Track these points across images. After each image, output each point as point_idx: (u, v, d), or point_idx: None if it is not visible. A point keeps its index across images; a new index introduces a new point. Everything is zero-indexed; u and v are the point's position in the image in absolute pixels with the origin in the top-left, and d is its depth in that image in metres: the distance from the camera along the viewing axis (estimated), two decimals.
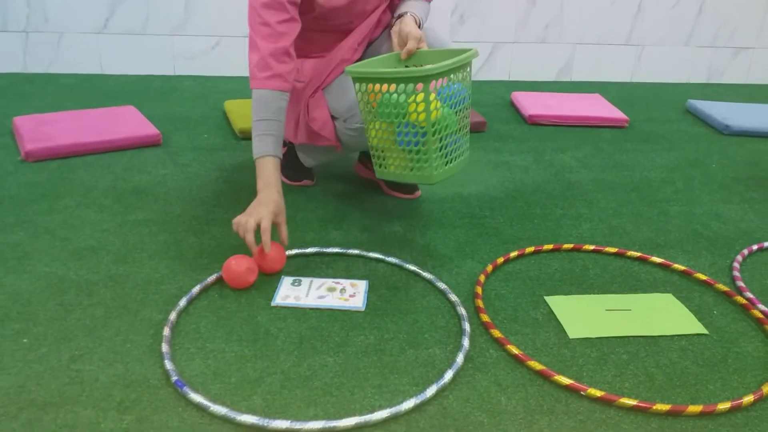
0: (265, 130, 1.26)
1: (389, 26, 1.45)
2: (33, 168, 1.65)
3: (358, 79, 1.23)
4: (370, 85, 1.22)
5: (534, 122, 2.22)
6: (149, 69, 2.56)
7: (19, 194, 1.51)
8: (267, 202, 1.21)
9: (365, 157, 1.66)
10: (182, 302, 1.12)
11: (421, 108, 1.16)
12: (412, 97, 1.17)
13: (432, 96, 1.15)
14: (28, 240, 1.31)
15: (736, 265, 1.34)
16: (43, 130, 1.80)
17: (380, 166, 1.31)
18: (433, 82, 1.15)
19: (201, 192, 1.57)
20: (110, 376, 0.95)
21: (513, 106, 2.41)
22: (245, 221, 1.18)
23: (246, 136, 1.92)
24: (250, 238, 1.17)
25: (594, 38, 2.79)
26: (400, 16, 1.39)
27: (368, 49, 1.50)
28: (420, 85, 1.15)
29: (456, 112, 1.23)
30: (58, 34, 2.46)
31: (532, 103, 2.31)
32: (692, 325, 1.15)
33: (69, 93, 2.28)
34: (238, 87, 2.45)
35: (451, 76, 1.18)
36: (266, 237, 1.17)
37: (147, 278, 1.20)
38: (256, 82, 1.27)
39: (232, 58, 2.57)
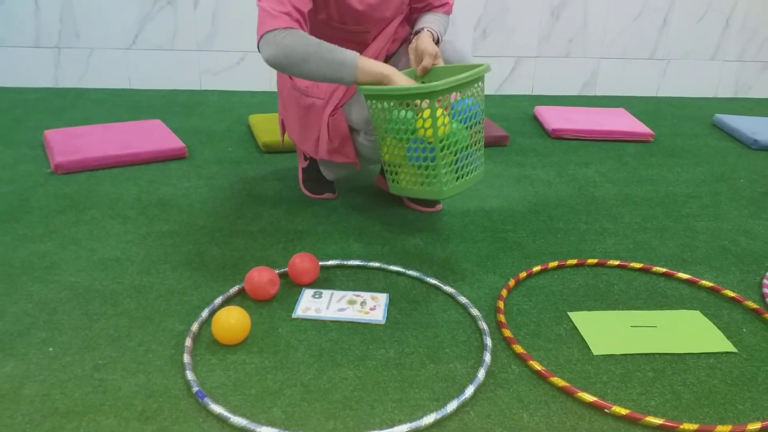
0: (331, 47, 1.22)
1: (407, 41, 1.46)
2: (62, 180, 1.69)
3: (369, 96, 1.25)
4: (381, 102, 1.23)
5: (557, 136, 2.21)
6: (176, 84, 2.61)
7: (47, 205, 1.54)
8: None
9: None
10: (204, 313, 1.13)
11: (428, 124, 1.17)
12: (420, 113, 1.17)
13: (439, 111, 1.15)
14: (55, 250, 1.34)
15: (765, 281, 1.31)
16: (72, 143, 1.84)
17: (393, 181, 1.32)
18: (440, 97, 1.15)
19: (224, 204, 1.58)
20: (132, 385, 0.96)
21: (536, 120, 2.40)
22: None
23: (269, 150, 1.94)
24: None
25: (618, 52, 2.77)
26: (417, 32, 1.39)
27: (386, 64, 1.51)
28: (427, 101, 1.15)
29: (467, 128, 1.22)
30: (89, 49, 2.52)
31: (555, 117, 2.29)
32: (720, 343, 1.12)
33: (98, 107, 2.33)
34: (263, 101, 2.48)
35: (462, 91, 1.19)
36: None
37: (170, 289, 1.22)
38: (287, 22, 1.21)
39: (256, 74, 2.61)
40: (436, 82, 1.14)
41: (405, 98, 1.18)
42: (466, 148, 1.24)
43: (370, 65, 1.22)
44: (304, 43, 1.21)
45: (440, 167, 1.20)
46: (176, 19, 2.51)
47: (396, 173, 1.31)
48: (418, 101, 1.17)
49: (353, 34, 1.42)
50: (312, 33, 1.33)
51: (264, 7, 1.23)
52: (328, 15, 1.37)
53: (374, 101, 1.24)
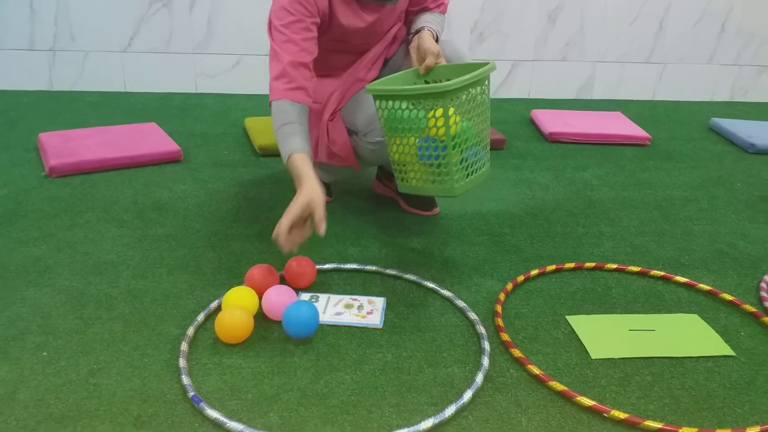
0: (290, 132, 1.23)
1: (406, 41, 1.46)
2: (56, 183, 1.68)
3: (379, 96, 1.25)
4: (391, 102, 1.23)
5: (554, 140, 2.21)
6: (172, 87, 2.60)
7: (42, 209, 1.53)
8: (298, 198, 1.15)
9: (383, 174, 1.66)
10: (200, 317, 1.12)
11: (440, 123, 1.17)
12: (432, 112, 1.17)
13: (451, 110, 1.16)
14: (49, 254, 1.33)
15: (763, 285, 1.31)
16: (67, 146, 1.82)
17: (402, 180, 1.32)
18: (452, 97, 1.15)
19: (220, 208, 1.58)
20: (128, 390, 0.95)
21: (533, 124, 2.40)
22: (278, 226, 1.14)
23: (265, 153, 1.93)
24: (281, 240, 1.12)
25: (615, 56, 2.77)
26: (418, 31, 1.40)
27: (386, 65, 1.51)
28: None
29: (475, 125, 1.23)
30: (84, 52, 2.51)
31: (552, 121, 2.29)
32: (719, 347, 1.12)
33: (93, 110, 2.32)
34: (258, 105, 2.48)
35: (470, 90, 1.19)
36: (288, 236, 1.13)
37: (165, 293, 1.21)
38: (278, 93, 1.26)
39: (252, 76, 2.60)
40: (450, 81, 1.14)
41: (417, 99, 1.19)
42: (474, 145, 1.25)
43: (294, 169, 1.19)
44: (274, 119, 1.27)
45: (452, 165, 1.20)
46: (171, 21, 2.50)
47: (405, 172, 1.31)
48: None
49: (354, 46, 1.44)
50: (318, 46, 1.34)
51: (270, 79, 1.29)
52: (332, 36, 1.38)
53: (383, 101, 1.25)
